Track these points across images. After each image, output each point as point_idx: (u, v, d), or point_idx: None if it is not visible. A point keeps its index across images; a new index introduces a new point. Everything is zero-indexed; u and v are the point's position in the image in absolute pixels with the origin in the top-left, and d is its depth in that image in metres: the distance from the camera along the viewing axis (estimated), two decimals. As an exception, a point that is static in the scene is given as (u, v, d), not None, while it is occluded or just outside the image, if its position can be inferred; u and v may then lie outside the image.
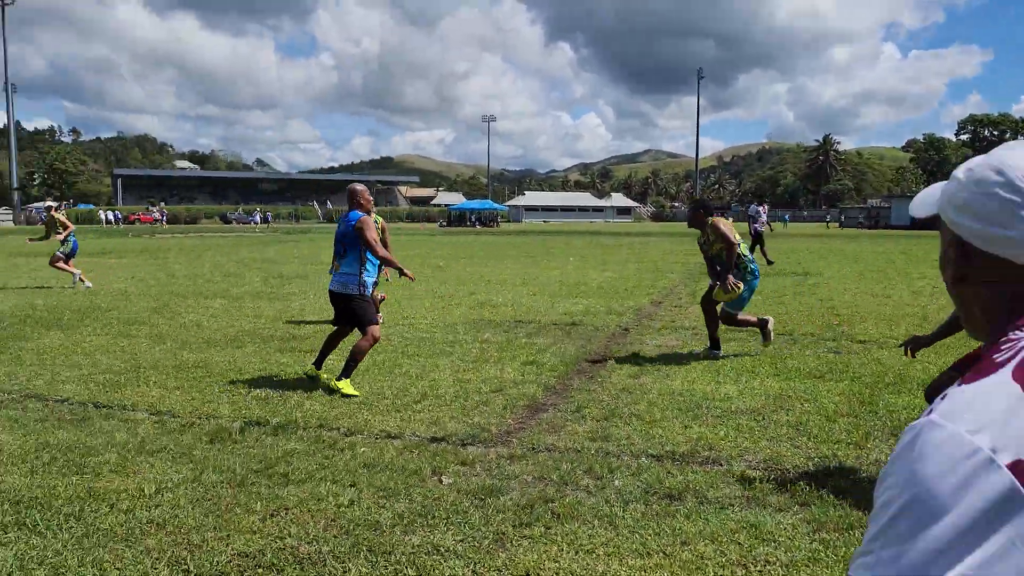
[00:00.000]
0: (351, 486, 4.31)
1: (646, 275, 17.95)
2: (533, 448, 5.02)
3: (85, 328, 9.80)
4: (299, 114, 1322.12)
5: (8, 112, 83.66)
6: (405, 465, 4.66)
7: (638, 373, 7.20)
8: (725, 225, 7.76)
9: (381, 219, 9.42)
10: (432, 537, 3.65)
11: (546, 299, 13.08)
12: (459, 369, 7.45)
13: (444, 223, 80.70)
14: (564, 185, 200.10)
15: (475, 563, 3.41)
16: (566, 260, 23.63)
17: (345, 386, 6.43)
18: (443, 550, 3.52)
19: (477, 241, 39.03)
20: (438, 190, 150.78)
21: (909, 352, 4.37)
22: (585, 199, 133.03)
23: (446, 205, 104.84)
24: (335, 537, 3.65)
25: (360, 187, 6.82)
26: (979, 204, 0.96)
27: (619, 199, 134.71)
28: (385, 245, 8.56)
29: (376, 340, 6.64)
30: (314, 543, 3.58)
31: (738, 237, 7.74)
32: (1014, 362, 0.86)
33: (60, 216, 15.19)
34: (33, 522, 3.79)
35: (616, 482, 4.37)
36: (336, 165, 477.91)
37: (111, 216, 75.17)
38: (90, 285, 14.63)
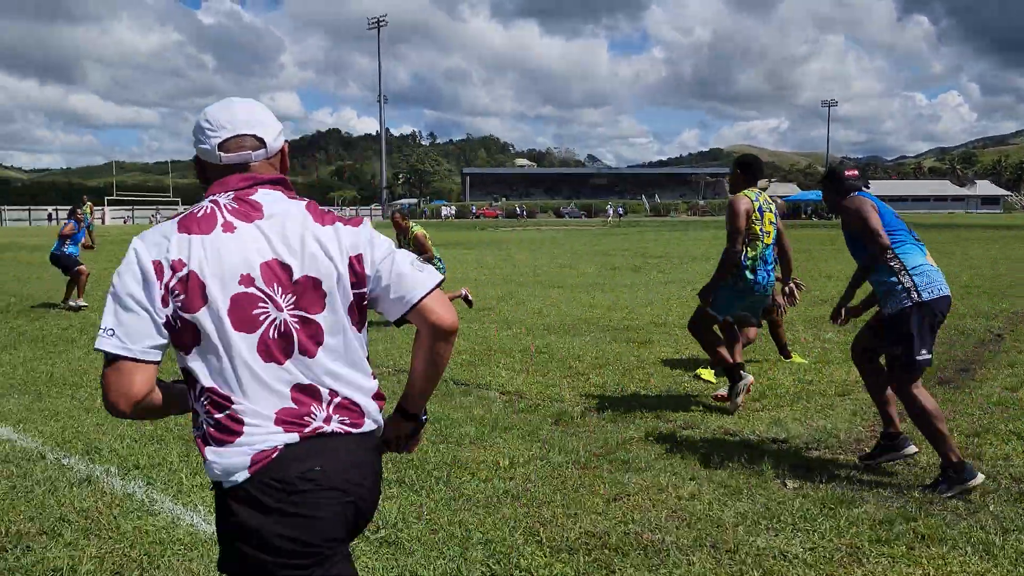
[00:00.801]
0: (691, 479, 4.31)
1: (1021, 273, 15.56)
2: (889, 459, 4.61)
3: (443, 312, 10.89)
4: (628, 110, 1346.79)
5: (380, 121, 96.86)
6: (746, 464, 4.54)
7: (1016, 385, 6.27)
8: None
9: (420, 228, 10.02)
10: (778, 542, 3.52)
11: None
12: (800, 369, 7.08)
13: (776, 215, 77.06)
14: (915, 172, 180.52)
15: (827, 575, 3.22)
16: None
17: (706, 372, 6.73)
18: (790, 556, 3.37)
19: (813, 236, 36.76)
20: (770, 181, 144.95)
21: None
22: (941, 187, 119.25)
23: (780, 196, 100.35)
24: (677, 528, 3.67)
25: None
26: None
27: (985, 187, 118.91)
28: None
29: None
30: (657, 532, 3.63)
31: None
32: None
33: None
34: (410, 481, 4.31)
35: (991, 507, 3.87)
36: (664, 159, 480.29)
37: (448, 211, 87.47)
38: None
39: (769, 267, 5.58)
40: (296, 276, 1.71)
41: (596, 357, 7.69)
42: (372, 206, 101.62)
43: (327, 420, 1.73)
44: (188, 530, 3.70)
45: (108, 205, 67.26)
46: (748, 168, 5.69)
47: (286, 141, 1.93)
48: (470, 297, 10.73)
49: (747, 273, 5.45)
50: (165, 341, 1.69)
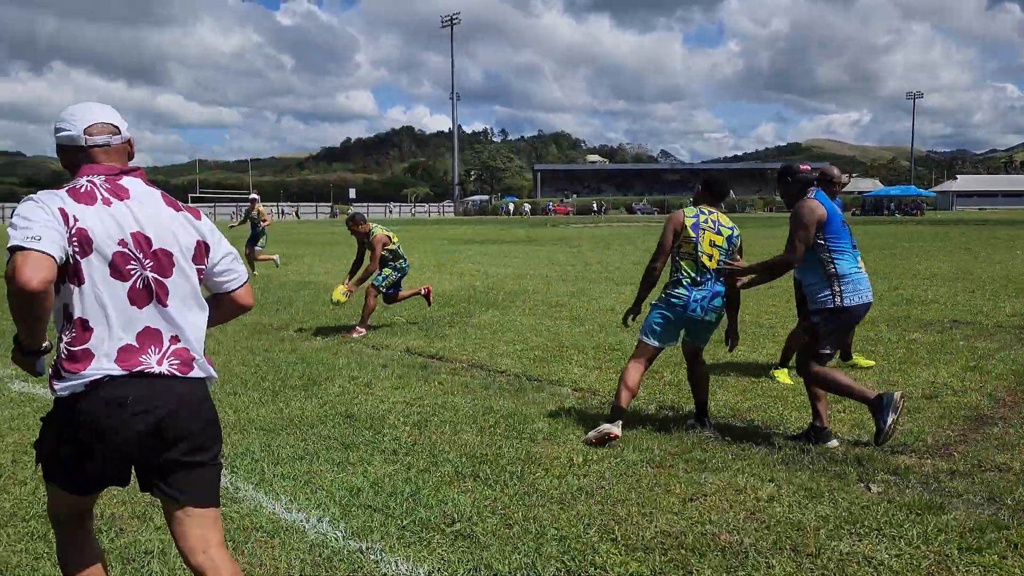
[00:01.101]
0: (770, 480, 4.22)
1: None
2: (979, 465, 4.43)
3: (515, 308, 10.96)
4: (703, 104, 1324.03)
5: (452, 118, 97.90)
6: (827, 466, 4.42)
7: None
8: None
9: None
10: (862, 547, 3.41)
11: (987, 297, 11.43)
12: (883, 370, 6.85)
13: (856, 212, 74.86)
14: (1007, 167, 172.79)
15: (915, 583, 3.12)
16: (1012, 253, 20.38)
17: (780, 373, 6.69)
18: (875, 563, 3.27)
19: (900, 231, 35.52)
20: (851, 176, 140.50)
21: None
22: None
23: (860, 192, 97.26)
24: (756, 531, 3.60)
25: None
26: None
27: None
28: None
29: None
30: (735, 533, 3.56)
31: None
32: None
33: (261, 208, 16.98)
34: (484, 475, 4.33)
35: (1093, 517, 3.67)
36: (739, 154, 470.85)
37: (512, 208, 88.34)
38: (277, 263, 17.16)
39: (710, 290, 5.06)
40: (154, 247, 2.23)
41: (669, 355, 7.57)
42: (444, 203, 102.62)
43: (159, 362, 2.21)
44: (270, 517, 3.80)
45: (191, 202, 69.44)
46: (709, 187, 5.38)
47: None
48: (430, 296, 10.17)
49: (680, 289, 5.09)
50: (64, 257, 2.09)
